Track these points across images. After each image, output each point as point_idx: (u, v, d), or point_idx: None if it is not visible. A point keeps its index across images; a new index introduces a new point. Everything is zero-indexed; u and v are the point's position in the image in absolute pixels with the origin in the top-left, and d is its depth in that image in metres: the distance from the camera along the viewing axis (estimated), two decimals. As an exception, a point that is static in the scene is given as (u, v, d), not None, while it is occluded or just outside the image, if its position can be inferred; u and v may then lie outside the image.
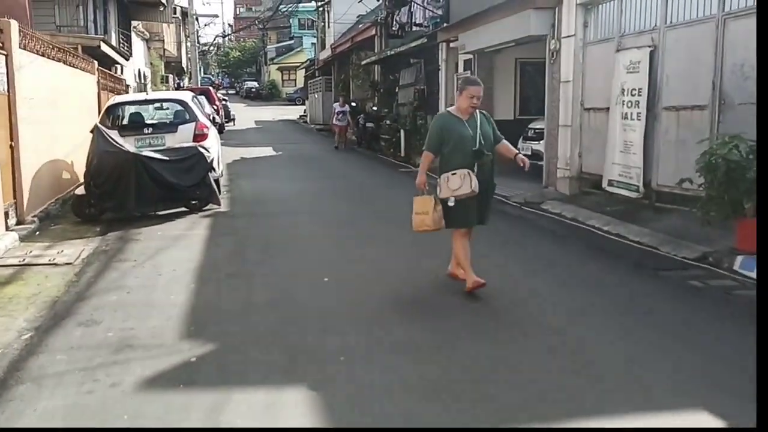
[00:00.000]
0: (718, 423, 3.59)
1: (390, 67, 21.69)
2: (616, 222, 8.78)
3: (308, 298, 5.84)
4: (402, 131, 17.79)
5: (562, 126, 11.09)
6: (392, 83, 21.37)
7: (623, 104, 9.48)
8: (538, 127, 12.83)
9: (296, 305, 5.62)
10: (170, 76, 31.07)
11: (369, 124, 20.45)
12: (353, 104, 21.99)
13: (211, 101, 26.28)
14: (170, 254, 7.56)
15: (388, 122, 19.03)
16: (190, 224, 9.25)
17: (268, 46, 63.58)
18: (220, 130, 27.29)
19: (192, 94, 13.13)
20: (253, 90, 61.98)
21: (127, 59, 22.61)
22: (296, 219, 9.67)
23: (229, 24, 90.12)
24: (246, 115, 39.32)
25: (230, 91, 67.18)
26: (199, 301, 5.78)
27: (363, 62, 22.94)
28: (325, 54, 31.52)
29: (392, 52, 19.03)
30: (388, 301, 5.77)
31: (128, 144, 10.27)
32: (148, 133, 11.14)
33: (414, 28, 18.53)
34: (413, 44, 17.10)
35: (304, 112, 36.44)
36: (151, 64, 27.17)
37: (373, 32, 22.87)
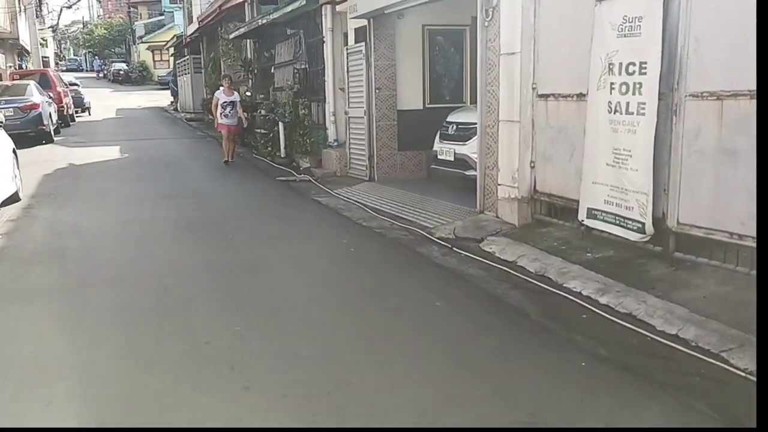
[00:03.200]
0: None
1: (266, 42, 17.49)
2: (617, 287, 5.25)
3: None
4: (280, 124, 13.72)
5: (505, 121, 7.46)
6: (268, 61, 17.18)
7: (611, 88, 5.93)
8: (461, 120, 9.16)
9: None
10: (2, 55, 25.36)
11: (241, 114, 16.16)
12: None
13: (50, 86, 21.23)
14: None
15: (262, 112, 14.86)
16: None
17: (136, 23, 57.23)
18: (67, 122, 22.43)
19: None
20: (121, 72, 55.38)
21: None
22: (93, 311, 5.20)
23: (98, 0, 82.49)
24: (108, 103, 34.16)
25: (100, 74, 60.49)
26: None
27: (231, 35, 18.55)
28: (193, 28, 26.79)
29: (264, 21, 14.85)
30: None
31: None
32: None
33: (292, -10, 14.51)
34: (288, 8, 13.01)
35: (174, 98, 31.51)
36: None
37: (243, -2, 18.60)
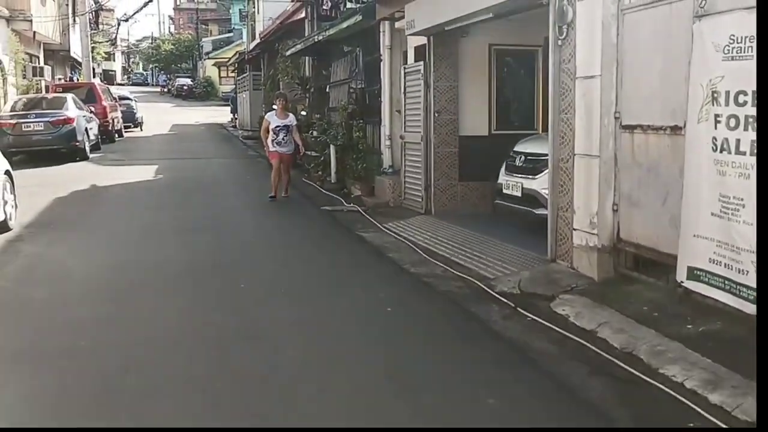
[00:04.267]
0: None
1: (324, 59, 16.75)
2: (733, 380, 4.07)
3: None
4: (332, 147, 12.84)
5: (581, 155, 6.33)
6: (325, 80, 16.40)
7: (716, 121, 4.77)
8: (530, 151, 8.07)
9: None
10: (50, 66, 25.23)
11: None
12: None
13: (94, 99, 20.88)
14: None
15: (314, 133, 14.03)
16: None
17: (204, 39, 57.72)
18: (111, 138, 22.07)
19: None
20: (185, 87, 55.48)
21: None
22: (7, 404, 4.03)
23: (170, 16, 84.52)
24: (165, 118, 33.78)
25: (165, 90, 61.14)
26: None
27: (287, 52, 17.86)
28: (255, 45, 26.42)
29: (320, 38, 14.08)
30: None
31: None
32: None
33: (351, 5, 13.78)
34: (344, 25, 12.18)
35: (234, 115, 31.17)
36: (16, 51, 21.38)
37: (303, 14, 17.97)
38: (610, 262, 6.06)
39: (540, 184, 7.50)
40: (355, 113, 13.00)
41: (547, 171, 7.05)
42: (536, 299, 5.87)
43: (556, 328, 5.17)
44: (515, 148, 8.33)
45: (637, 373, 4.31)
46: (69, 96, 18.28)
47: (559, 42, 6.60)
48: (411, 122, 10.34)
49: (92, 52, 36.63)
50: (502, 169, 8.43)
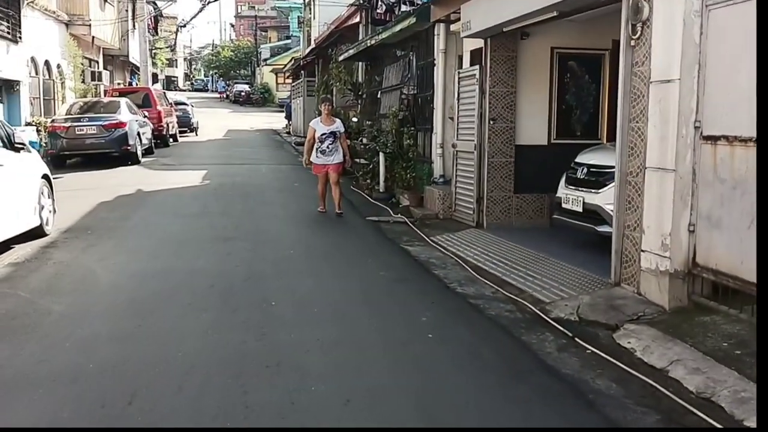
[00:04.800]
0: None
1: (377, 64, 16.29)
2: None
3: None
4: (381, 154, 12.30)
5: (653, 169, 5.64)
6: (377, 86, 15.92)
7: (822, 133, 4.05)
8: (594, 162, 7.38)
9: None
10: (108, 71, 25.50)
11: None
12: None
13: (150, 104, 20.93)
14: None
15: (363, 141, 13.52)
16: None
17: (262, 46, 58.07)
18: (165, 142, 22.07)
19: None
20: (243, 94, 55.78)
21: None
22: None
23: (231, 24, 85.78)
24: (221, 123, 33.90)
25: (224, 96, 61.71)
26: None
27: (340, 57, 17.44)
28: (309, 50, 26.22)
29: (373, 42, 13.60)
30: None
31: None
32: None
33: (406, 8, 13.33)
34: (397, 28, 11.66)
35: (289, 121, 31.02)
36: (74, 55, 21.59)
37: (358, 19, 17.57)
38: (684, 289, 5.35)
39: (604, 198, 6.82)
40: (406, 120, 12.47)
41: (612, 185, 6.40)
42: (597, 328, 5.23)
43: (620, 364, 4.51)
44: (577, 159, 7.64)
45: (718, 425, 3.64)
46: (123, 100, 18.27)
47: (632, 42, 5.94)
48: (464, 130, 9.73)
49: (153, 57, 37.15)
50: (562, 182, 7.77)
